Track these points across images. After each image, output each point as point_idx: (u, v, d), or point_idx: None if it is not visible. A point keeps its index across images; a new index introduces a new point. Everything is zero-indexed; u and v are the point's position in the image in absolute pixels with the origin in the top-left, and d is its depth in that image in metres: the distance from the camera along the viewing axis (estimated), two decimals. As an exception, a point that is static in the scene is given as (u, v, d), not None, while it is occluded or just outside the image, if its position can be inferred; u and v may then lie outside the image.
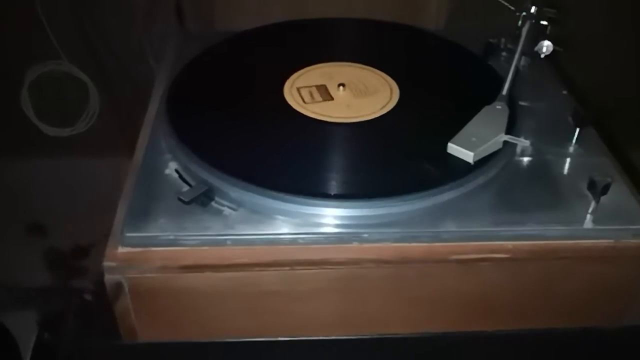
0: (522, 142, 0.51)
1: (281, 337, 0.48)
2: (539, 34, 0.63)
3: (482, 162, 0.50)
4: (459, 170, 0.50)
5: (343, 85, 0.59)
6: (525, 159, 0.54)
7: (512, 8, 0.65)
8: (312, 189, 0.47)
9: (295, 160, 0.51)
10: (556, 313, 0.50)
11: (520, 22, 0.64)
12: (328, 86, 0.59)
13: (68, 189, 1.28)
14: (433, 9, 0.96)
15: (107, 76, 1.36)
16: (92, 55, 1.34)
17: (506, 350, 0.51)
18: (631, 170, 0.54)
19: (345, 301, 0.49)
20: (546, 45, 0.61)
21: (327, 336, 0.48)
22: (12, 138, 1.45)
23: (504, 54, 0.67)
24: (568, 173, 0.52)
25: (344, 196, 0.48)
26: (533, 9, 0.63)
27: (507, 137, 0.50)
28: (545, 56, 0.61)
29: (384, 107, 0.57)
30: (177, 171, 0.51)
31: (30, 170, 1.49)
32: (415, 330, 0.50)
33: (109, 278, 0.46)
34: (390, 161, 0.52)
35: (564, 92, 0.63)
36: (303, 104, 0.57)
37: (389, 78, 0.61)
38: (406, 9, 1.01)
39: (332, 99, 0.58)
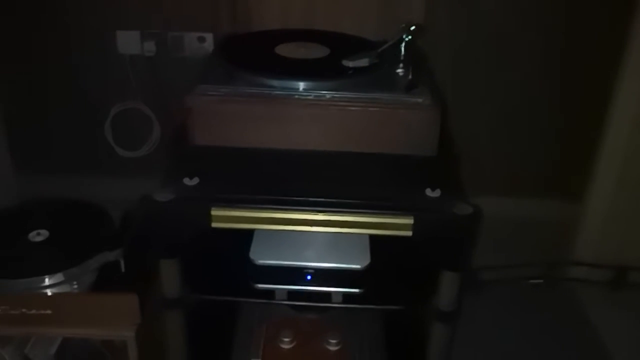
0: (374, 60, 1.12)
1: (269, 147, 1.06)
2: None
3: (359, 71, 1.12)
4: (347, 72, 1.11)
5: (305, 47, 1.22)
6: (387, 73, 1.14)
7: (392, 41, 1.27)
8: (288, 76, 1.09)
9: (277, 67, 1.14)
10: (385, 141, 1.07)
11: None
12: (298, 47, 1.23)
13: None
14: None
15: (169, 115, 1.94)
16: (160, 99, 1.92)
17: (361, 163, 1.08)
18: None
19: (295, 128, 1.07)
20: (407, 38, 1.24)
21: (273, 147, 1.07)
22: (94, 157, 2.02)
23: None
24: (403, 82, 1.12)
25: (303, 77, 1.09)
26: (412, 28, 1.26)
27: (367, 60, 1.12)
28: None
29: (321, 56, 1.19)
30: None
31: (105, 183, 2.04)
32: (326, 149, 1.08)
33: (187, 107, 1.06)
34: (321, 69, 1.14)
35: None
36: (284, 51, 1.21)
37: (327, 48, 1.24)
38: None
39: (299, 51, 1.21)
